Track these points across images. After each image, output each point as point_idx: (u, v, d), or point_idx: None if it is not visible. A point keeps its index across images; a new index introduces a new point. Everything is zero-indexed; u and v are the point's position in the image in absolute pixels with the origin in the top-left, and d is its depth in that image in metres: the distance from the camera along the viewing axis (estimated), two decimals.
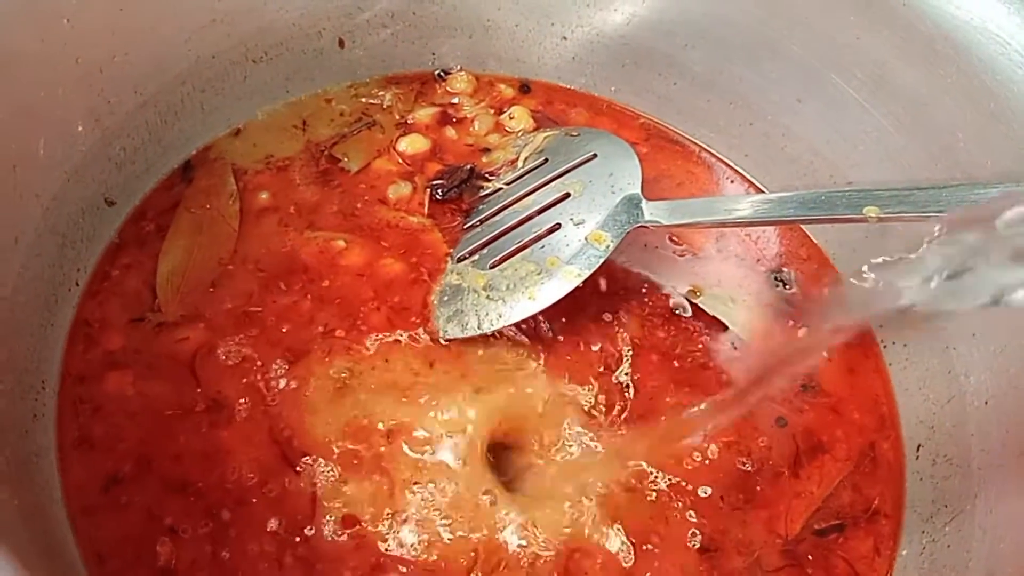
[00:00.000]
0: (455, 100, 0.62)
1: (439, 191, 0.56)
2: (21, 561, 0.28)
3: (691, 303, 0.54)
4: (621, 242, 0.49)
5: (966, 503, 0.46)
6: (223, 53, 0.55)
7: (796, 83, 0.57)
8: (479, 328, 0.49)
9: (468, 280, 0.51)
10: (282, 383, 0.47)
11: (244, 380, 0.47)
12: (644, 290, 0.54)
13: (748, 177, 0.62)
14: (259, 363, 0.47)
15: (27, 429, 0.43)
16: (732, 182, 0.62)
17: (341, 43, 0.60)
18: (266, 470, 0.44)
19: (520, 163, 0.57)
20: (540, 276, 0.49)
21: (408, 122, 0.60)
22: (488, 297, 0.49)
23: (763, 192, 0.61)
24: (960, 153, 0.49)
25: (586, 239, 0.49)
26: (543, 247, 0.50)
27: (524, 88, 0.64)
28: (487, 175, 0.57)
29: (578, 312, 0.52)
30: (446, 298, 0.50)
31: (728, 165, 0.62)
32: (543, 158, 0.56)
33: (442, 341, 0.49)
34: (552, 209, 0.52)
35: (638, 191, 0.50)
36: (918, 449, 0.51)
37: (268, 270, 0.51)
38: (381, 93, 0.62)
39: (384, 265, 0.52)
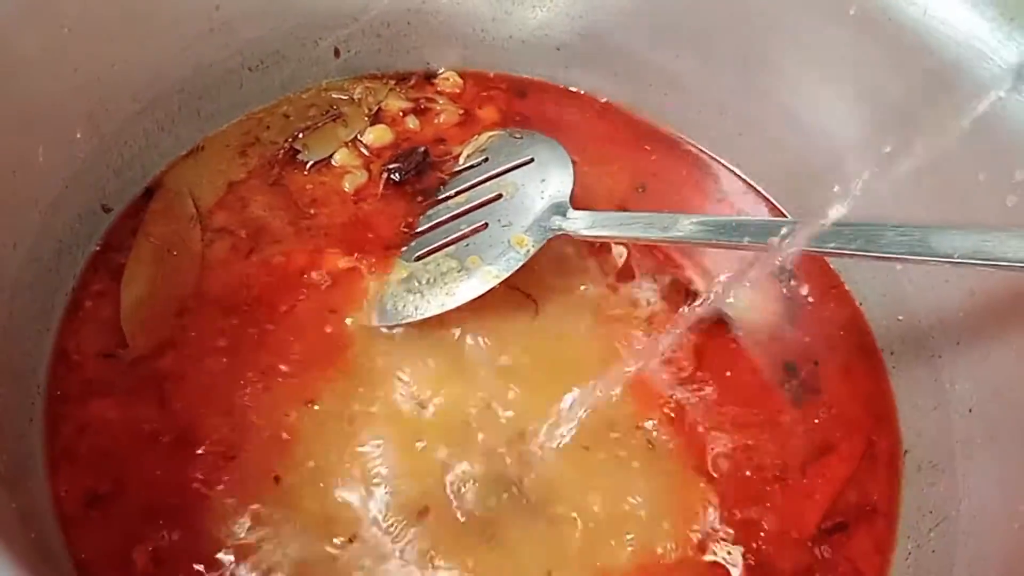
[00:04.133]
0: (432, 97, 0.63)
1: (395, 174, 0.57)
2: (21, 564, 0.28)
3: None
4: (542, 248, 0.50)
5: (951, 509, 0.47)
6: (220, 62, 0.56)
7: (785, 94, 0.58)
8: (397, 318, 0.50)
9: (393, 271, 0.52)
10: (251, 416, 0.46)
11: (214, 409, 0.46)
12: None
13: (747, 180, 0.62)
14: (226, 393, 0.47)
15: (23, 433, 0.44)
16: (729, 185, 0.62)
17: (336, 52, 0.61)
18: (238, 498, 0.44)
19: (462, 160, 0.58)
20: (460, 274, 0.50)
21: (379, 111, 0.61)
22: (407, 289, 0.50)
23: (760, 191, 0.61)
24: (948, 164, 0.50)
25: (508, 242, 0.50)
26: (467, 245, 0.51)
27: (520, 94, 0.65)
28: (440, 162, 0.58)
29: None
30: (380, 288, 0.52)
31: (724, 166, 0.62)
32: (484, 157, 0.57)
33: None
34: (482, 209, 0.53)
35: (566, 199, 0.52)
36: (904, 455, 0.51)
37: (227, 300, 0.50)
38: (352, 87, 0.62)
39: (334, 264, 0.53)
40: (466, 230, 0.52)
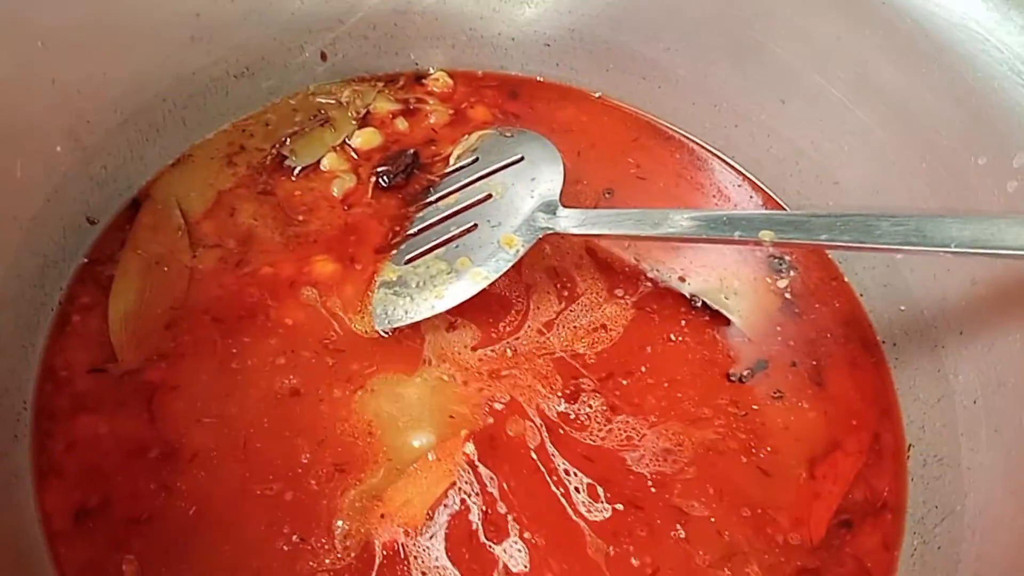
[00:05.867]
0: (422, 97, 0.62)
1: (384, 177, 0.56)
2: None
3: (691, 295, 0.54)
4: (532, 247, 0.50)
5: (956, 504, 0.46)
6: (203, 69, 0.55)
7: (779, 84, 0.57)
8: (386, 323, 0.49)
9: (382, 275, 0.51)
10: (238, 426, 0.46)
11: (200, 422, 0.46)
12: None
13: (743, 172, 0.61)
14: (214, 404, 0.46)
15: (7, 451, 0.43)
16: (724, 178, 0.61)
17: (323, 56, 0.60)
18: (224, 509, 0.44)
19: (452, 160, 0.57)
20: (449, 276, 0.49)
21: (367, 114, 0.60)
22: (395, 293, 0.50)
23: (756, 183, 0.60)
24: (943, 150, 0.49)
25: (498, 242, 0.50)
26: (457, 247, 0.51)
27: (512, 94, 0.64)
28: (430, 164, 0.57)
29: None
30: (371, 293, 0.51)
31: (719, 157, 0.61)
32: (474, 157, 0.56)
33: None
34: (472, 209, 0.52)
35: (556, 197, 0.51)
36: (909, 449, 0.50)
37: (217, 311, 0.50)
38: (339, 90, 0.61)
39: (323, 271, 0.52)
40: (455, 232, 0.51)
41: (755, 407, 0.50)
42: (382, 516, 0.44)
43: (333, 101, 0.60)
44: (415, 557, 0.43)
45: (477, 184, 0.54)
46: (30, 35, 0.44)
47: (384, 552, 0.43)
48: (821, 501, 0.47)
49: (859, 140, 0.54)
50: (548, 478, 0.46)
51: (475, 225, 0.51)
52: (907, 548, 0.47)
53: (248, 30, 0.56)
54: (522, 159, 0.54)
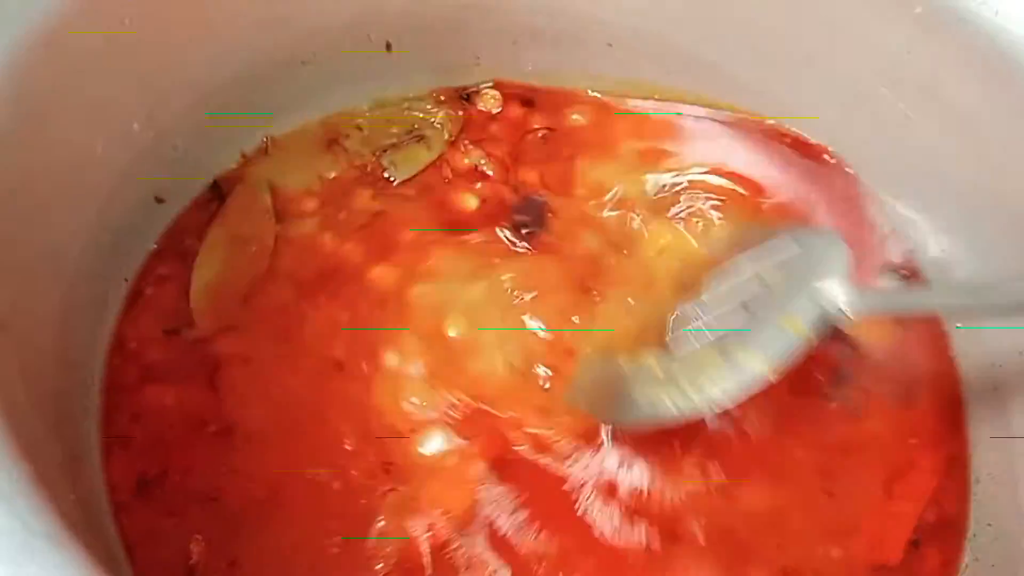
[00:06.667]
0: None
1: (520, 229, 0.54)
2: (89, 553, 0.28)
3: None
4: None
5: (1012, 524, 0.46)
6: (274, 54, 0.55)
7: (842, 95, 0.57)
8: (650, 413, 0.43)
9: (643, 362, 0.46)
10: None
11: (267, 397, 0.47)
12: None
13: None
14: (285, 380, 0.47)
15: (77, 423, 0.44)
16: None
17: (388, 46, 0.60)
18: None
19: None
20: (724, 366, 0.43)
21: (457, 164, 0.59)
22: (656, 381, 0.44)
23: None
24: (1010, 173, 0.49)
25: (781, 325, 0.43)
26: (729, 337, 0.44)
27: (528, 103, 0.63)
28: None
29: None
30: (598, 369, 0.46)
31: None
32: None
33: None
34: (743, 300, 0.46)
35: (844, 275, 0.44)
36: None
37: (297, 288, 0.51)
38: (433, 109, 0.62)
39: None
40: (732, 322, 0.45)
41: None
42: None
43: (428, 119, 0.61)
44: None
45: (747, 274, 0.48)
46: (119, 13, 0.44)
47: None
48: (896, 521, 0.46)
49: (923, 156, 0.54)
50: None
51: (747, 313, 0.45)
52: (961, 565, 0.47)
53: (321, 18, 0.56)
54: (795, 246, 0.47)
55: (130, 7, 0.45)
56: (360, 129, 0.59)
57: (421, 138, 0.60)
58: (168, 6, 0.47)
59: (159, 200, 0.52)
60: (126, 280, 0.50)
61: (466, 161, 0.58)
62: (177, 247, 0.52)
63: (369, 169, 0.57)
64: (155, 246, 0.51)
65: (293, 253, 0.52)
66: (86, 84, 0.43)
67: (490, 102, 0.63)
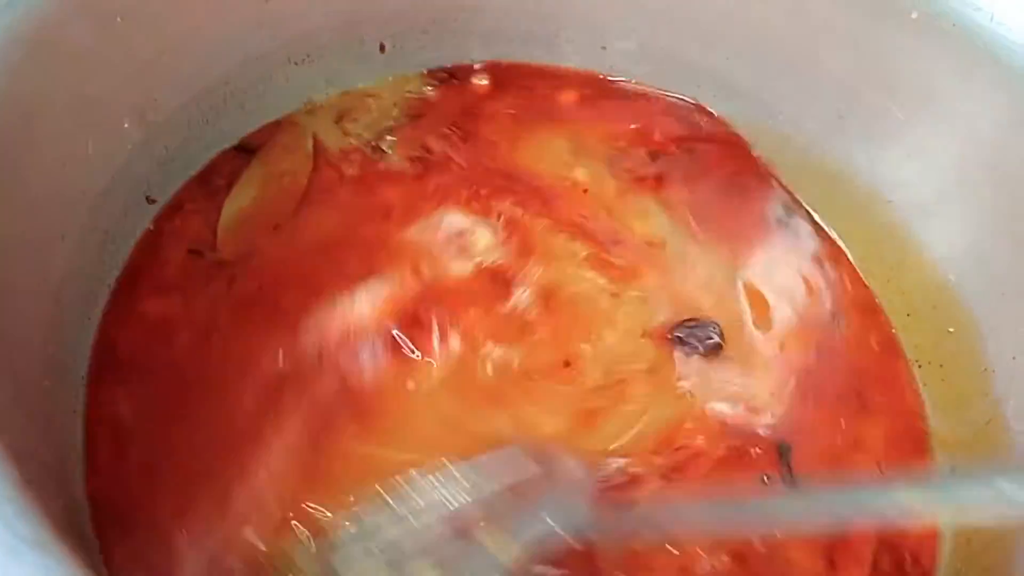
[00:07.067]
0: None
1: (689, 346, 0.51)
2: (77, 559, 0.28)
3: None
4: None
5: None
6: (267, 55, 0.55)
7: (838, 99, 0.57)
8: None
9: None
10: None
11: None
12: None
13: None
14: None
15: (64, 427, 0.43)
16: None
17: (382, 47, 0.60)
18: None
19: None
20: None
21: None
22: None
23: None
24: (1009, 176, 0.49)
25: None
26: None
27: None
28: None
29: None
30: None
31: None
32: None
33: None
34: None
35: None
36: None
37: (324, 235, 0.52)
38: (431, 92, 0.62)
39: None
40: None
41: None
42: None
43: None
44: None
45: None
46: (111, 10, 0.44)
47: None
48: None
49: (919, 161, 0.54)
50: None
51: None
52: None
53: (314, 19, 0.55)
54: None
55: (122, 4, 0.44)
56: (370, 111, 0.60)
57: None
58: (161, 4, 0.47)
59: (150, 200, 0.51)
60: (115, 279, 0.49)
61: None
62: (205, 184, 0.53)
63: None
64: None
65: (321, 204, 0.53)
66: (76, 82, 0.43)
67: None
